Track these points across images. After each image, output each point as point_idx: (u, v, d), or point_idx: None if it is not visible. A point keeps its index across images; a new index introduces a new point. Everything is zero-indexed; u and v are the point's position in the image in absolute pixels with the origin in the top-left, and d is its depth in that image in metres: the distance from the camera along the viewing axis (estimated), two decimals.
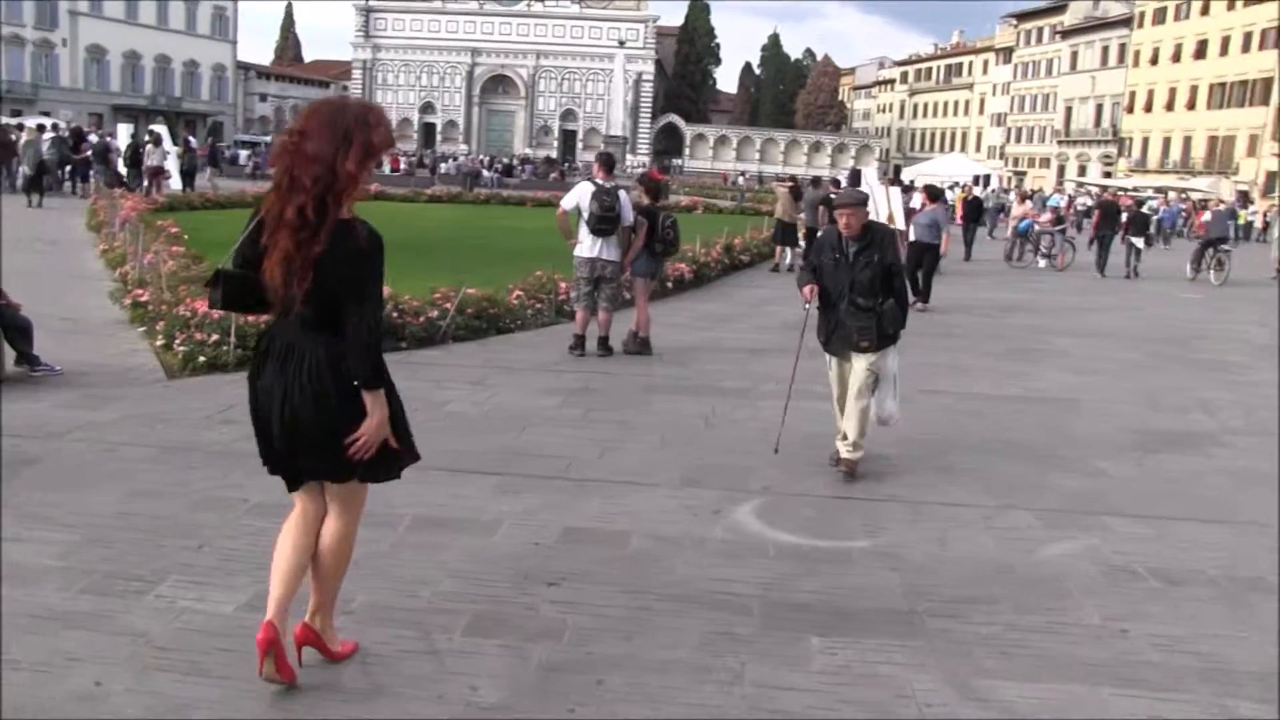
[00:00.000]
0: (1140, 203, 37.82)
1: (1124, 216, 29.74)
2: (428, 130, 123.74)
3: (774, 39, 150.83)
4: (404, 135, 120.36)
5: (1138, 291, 24.92)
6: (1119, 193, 46.71)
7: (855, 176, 32.33)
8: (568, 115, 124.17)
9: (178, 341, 11.34)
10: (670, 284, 18.96)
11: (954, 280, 24.30)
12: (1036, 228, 31.16)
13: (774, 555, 6.42)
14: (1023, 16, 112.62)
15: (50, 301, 14.15)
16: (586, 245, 12.58)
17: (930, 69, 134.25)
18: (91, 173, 35.49)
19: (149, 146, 35.42)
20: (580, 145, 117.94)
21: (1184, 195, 62.85)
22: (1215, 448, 9.75)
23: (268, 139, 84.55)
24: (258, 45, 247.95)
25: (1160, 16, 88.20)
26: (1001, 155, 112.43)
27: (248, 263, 4.29)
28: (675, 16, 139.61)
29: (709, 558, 6.33)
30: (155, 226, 20.40)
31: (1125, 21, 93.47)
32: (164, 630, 4.98)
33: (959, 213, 34.58)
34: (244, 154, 66.13)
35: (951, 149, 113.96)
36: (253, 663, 4.49)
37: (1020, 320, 18.34)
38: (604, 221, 12.34)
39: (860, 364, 8.28)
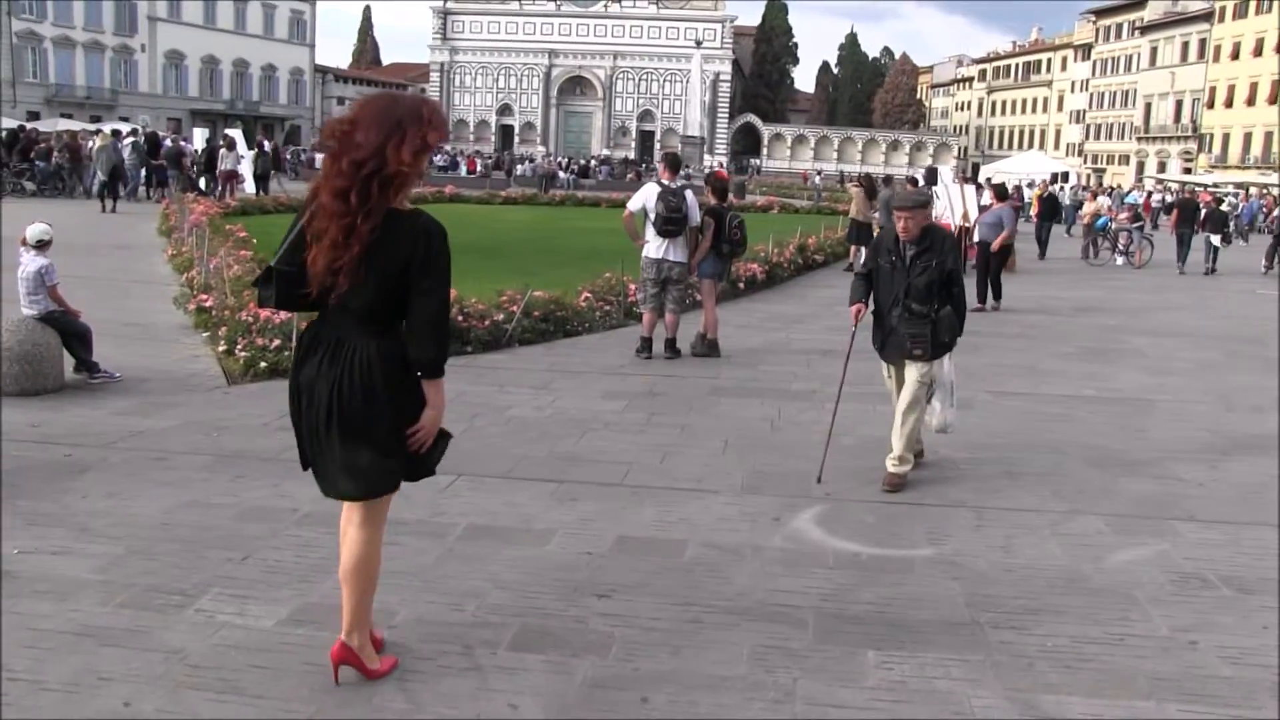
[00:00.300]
0: (1219, 200, 37.68)
1: (1202, 213, 29.55)
2: (505, 132, 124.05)
3: (852, 38, 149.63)
4: (482, 138, 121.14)
5: (1215, 289, 24.43)
6: (1198, 190, 45.92)
7: (931, 174, 31.90)
8: (645, 116, 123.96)
9: (239, 347, 11.33)
10: (742, 284, 18.79)
11: (1029, 279, 23.96)
12: (1114, 225, 30.64)
13: (833, 565, 6.24)
14: (1101, 13, 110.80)
15: (116, 307, 14.31)
16: (653, 246, 12.44)
17: (1009, 66, 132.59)
18: (168, 176, 35.79)
19: (223, 150, 35.74)
20: (658, 146, 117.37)
21: (1265, 191, 61.54)
22: None
23: None
24: (337, 48, 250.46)
25: (1241, 10, 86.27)
26: (1080, 152, 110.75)
27: (298, 259, 4.18)
28: (753, 16, 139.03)
29: (766, 567, 6.16)
30: (224, 231, 20.51)
31: (1206, 16, 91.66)
32: (201, 646, 4.87)
33: (1035, 210, 34.01)
34: (320, 156, 66.41)
35: (1030, 146, 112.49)
36: (287, 682, 4.50)
37: (1095, 319, 17.98)
38: (670, 223, 12.19)
39: (912, 374, 7.95)
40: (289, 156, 67.30)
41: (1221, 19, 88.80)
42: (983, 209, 21.81)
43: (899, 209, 7.87)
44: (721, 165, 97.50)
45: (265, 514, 6.72)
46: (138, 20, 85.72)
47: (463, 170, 64.89)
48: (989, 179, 43.17)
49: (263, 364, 11.04)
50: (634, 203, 12.59)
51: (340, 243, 4.02)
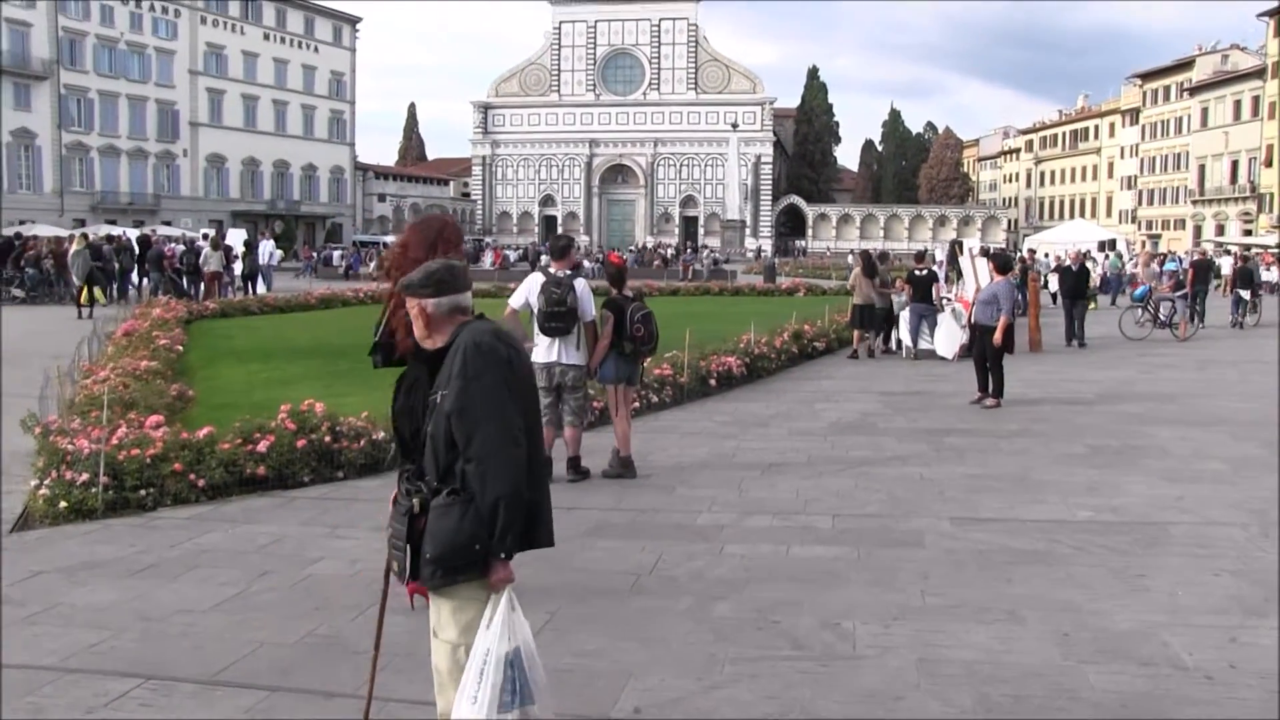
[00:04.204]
0: (1245, 259, 37.30)
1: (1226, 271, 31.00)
2: (549, 223, 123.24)
3: (894, 114, 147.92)
4: (525, 229, 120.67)
5: (1267, 360, 21.72)
6: (1238, 250, 43.22)
7: (954, 248, 29.50)
8: (688, 201, 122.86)
9: (47, 481, 9.43)
10: (713, 381, 16.49)
11: (1053, 359, 21.92)
12: (1155, 294, 28.10)
13: None
14: (1147, 76, 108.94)
15: None
16: (541, 349, 10.18)
17: (1056, 135, 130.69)
18: (145, 280, 34.48)
19: (206, 250, 34.09)
20: (702, 231, 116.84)
21: None
22: None
23: (388, 238, 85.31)
24: (384, 144, 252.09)
25: None
26: (1134, 219, 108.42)
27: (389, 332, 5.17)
28: (793, 97, 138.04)
29: None
30: (151, 338, 18.58)
31: (1258, 73, 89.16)
32: None
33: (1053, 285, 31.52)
34: (337, 254, 65.60)
35: (1081, 215, 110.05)
36: None
37: (1118, 408, 15.43)
38: (554, 319, 9.94)
39: (432, 616, 4.23)
40: (314, 255, 66.23)
41: (1275, 74, 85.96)
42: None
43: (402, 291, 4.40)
44: (766, 250, 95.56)
45: None
46: (180, 126, 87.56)
47: (487, 263, 63.11)
48: (1029, 249, 40.94)
49: (64, 504, 9.16)
50: (516, 298, 10.32)
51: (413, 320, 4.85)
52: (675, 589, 7.13)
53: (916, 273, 22.16)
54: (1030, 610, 6.70)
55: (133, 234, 42.97)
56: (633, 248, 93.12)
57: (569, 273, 10.23)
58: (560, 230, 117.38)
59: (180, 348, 19.11)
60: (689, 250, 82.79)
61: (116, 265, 34.87)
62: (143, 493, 9.45)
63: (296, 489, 10.11)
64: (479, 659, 3.92)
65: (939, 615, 6.62)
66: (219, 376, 17.44)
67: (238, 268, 36.92)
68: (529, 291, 10.14)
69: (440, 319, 4.16)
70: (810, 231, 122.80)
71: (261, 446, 10.19)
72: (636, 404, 13.94)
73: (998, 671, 5.70)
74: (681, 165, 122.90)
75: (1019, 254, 43.22)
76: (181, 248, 37.71)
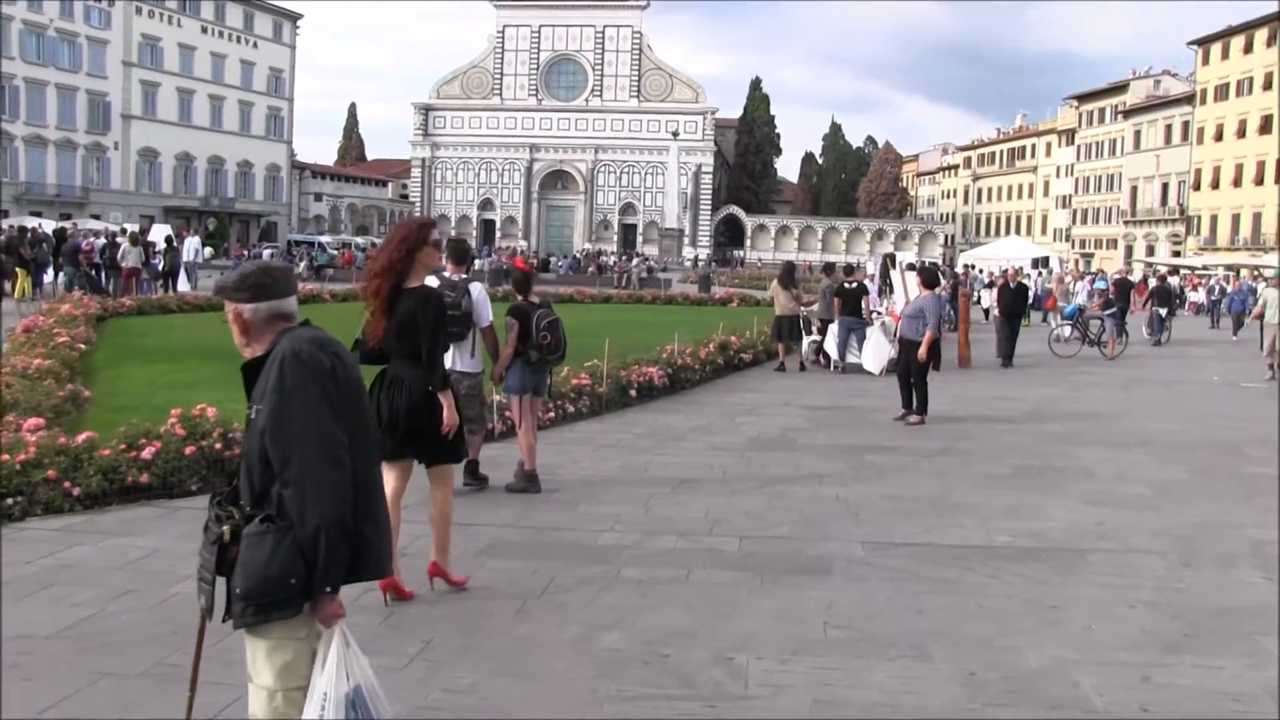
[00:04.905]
0: (1163, 279, 39.49)
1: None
2: (487, 227, 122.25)
3: (835, 127, 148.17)
4: (463, 232, 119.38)
5: (1194, 382, 21.64)
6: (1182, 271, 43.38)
7: (886, 261, 29.22)
8: (627, 209, 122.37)
9: None
10: (633, 391, 16.05)
11: (981, 375, 21.67)
12: (1085, 313, 28.04)
13: None
14: (1084, 98, 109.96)
15: None
16: None
17: (993, 153, 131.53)
18: (59, 275, 33.45)
19: (125, 245, 33.15)
20: (640, 239, 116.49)
21: (1257, 273, 58.69)
22: (1268, 637, 6.57)
23: (323, 238, 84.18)
24: (322, 145, 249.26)
25: (1222, 93, 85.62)
26: (1068, 237, 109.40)
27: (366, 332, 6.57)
28: (736, 108, 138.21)
29: None
30: (51, 335, 17.84)
31: (1188, 99, 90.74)
32: None
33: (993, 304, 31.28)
34: (267, 253, 64.42)
35: (1017, 232, 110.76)
36: None
37: (1045, 427, 15.16)
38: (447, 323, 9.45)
39: (247, 661, 3.71)
40: (245, 253, 65.14)
41: (1204, 101, 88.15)
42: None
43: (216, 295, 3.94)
44: (705, 259, 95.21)
45: None
46: (111, 118, 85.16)
47: None
48: (965, 265, 40.92)
49: None
50: None
51: (376, 313, 6.69)
52: (563, 616, 6.68)
53: (846, 285, 21.83)
54: (937, 645, 6.30)
55: (49, 226, 41.76)
56: (567, 255, 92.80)
57: (464, 276, 9.77)
58: (499, 235, 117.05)
59: (84, 346, 18.40)
60: (624, 257, 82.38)
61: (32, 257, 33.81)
62: (9, 501, 8.75)
63: (182, 499, 9.53)
64: (317, 703, 3.51)
65: (841, 650, 6.21)
66: (123, 378, 16.78)
67: (160, 264, 35.91)
68: None
69: (258, 325, 3.72)
70: (749, 242, 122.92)
71: (146, 453, 9.63)
72: (551, 414, 13.52)
73: (896, 715, 5.29)
74: (622, 173, 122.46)
75: (954, 269, 43.14)
76: (102, 241, 36.62)
